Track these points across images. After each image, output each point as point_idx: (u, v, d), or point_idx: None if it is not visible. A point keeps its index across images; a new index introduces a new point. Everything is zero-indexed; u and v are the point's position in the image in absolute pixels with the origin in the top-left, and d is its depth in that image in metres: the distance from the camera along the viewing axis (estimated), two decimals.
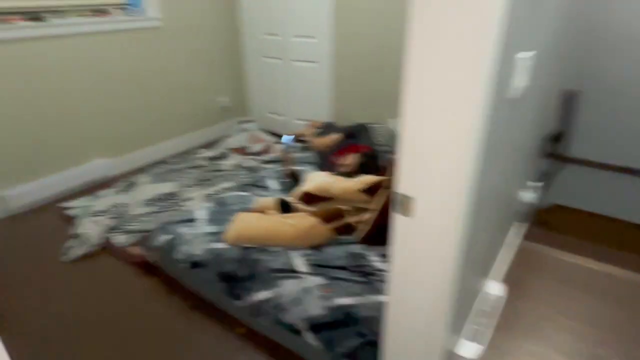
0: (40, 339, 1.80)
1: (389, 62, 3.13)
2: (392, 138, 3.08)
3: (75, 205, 2.77)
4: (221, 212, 2.18)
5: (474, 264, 1.30)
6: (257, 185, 2.51)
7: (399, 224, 1.00)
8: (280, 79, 3.86)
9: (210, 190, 2.87)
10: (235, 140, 3.75)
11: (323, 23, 3.35)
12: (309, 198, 2.04)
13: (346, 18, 3.24)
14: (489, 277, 1.81)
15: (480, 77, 0.78)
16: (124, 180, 3.08)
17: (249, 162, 3.34)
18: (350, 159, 2.47)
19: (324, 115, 3.67)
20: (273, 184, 2.53)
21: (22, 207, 2.76)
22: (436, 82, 0.83)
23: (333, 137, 2.82)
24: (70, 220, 2.61)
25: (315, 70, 3.59)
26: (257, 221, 1.91)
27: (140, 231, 2.44)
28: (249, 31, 3.85)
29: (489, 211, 1.28)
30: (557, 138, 2.53)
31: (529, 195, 2.14)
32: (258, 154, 3.51)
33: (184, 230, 2.04)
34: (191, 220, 2.12)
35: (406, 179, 0.95)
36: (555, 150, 2.56)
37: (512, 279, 2.03)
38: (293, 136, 2.86)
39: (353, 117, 3.44)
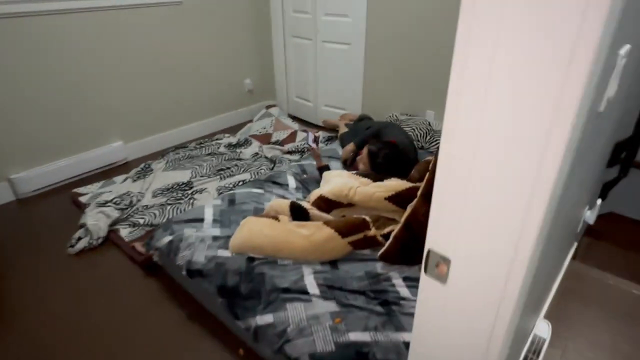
0: (30, 339, 1.68)
1: (431, 45, 2.77)
2: (429, 133, 2.74)
3: (88, 192, 2.66)
4: (230, 212, 1.97)
5: (526, 320, 1.01)
6: (274, 182, 2.28)
7: (429, 291, 0.72)
8: (309, 62, 3.57)
9: (226, 182, 2.67)
10: (258, 126, 3.52)
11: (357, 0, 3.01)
12: (327, 203, 1.78)
13: None
14: (537, 316, 1.50)
15: (577, 82, 0.48)
16: (140, 165, 2.93)
17: (271, 151, 3.11)
18: (364, 159, 2.19)
19: (355, 102, 3.36)
20: (291, 181, 2.29)
21: (34, 190, 2.67)
22: (509, 90, 0.53)
23: (348, 149, 2.52)
24: (82, 206, 2.50)
25: (347, 52, 3.26)
26: (266, 229, 1.68)
27: (147, 225, 2.29)
28: (277, 8, 3.55)
29: (552, 252, 0.97)
30: (628, 144, 2.12)
31: (592, 213, 1.78)
32: (281, 143, 3.26)
33: (188, 231, 1.85)
34: (198, 221, 1.92)
35: (444, 230, 0.66)
36: (625, 157, 2.16)
37: (556, 313, 1.71)
38: (314, 136, 2.56)
39: (386, 106, 3.11)
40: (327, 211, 1.79)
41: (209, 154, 3.10)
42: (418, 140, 2.72)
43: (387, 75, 3.10)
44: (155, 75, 3.12)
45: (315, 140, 2.51)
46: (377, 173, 2.13)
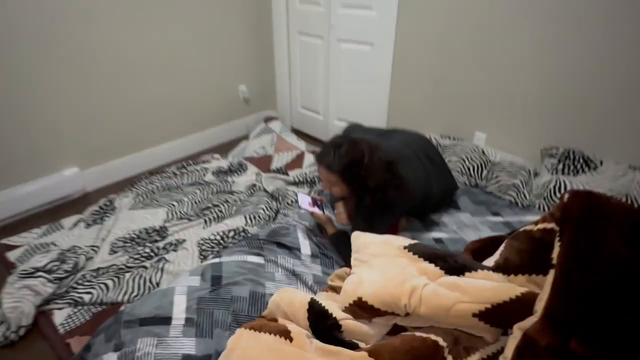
0: None
1: (485, 51, 2.08)
2: (485, 165, 2.06)
3: (23, 242, 1.95)
4: (213, 304, 1.28)
5: None
6: (279, 244, 1.58)
7: None
8: (319, 65, 2.87)
9: (211, 229, 1.97)
10: (256, 145, 2.82)
11: None
12: (371, 310, 1.09)
13: None
14: None
15: None
16: (100, 201, 2.22)
17: (272, 182, 2.41)
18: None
19: (378, 117, 2.67)
20: (304, 245, 1.59)
21: None
22: None
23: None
24: (9, 266, 1.79)
25: (369, 55, 2.57)
26: (269, 358, 0.99)
27: (95, 303, 1.59)
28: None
29: None
30: None
31: None
32: (285, 169, 2.56)
33: (144, 344, 1.15)
34: (162, 320, 1.23)
35: None
36: None
37: None
38: (311, 199, 1.74)
39: (419, 125, 2.42)
40: (370, 317, 1.10)
41: (192, 184, 2.39)
42: (470, 175, 2.04)
43: (422, 86, 2.41)
44: (121, 80, 2.40)
45: (316, 203, 1.73)
46: (353, 191, 1.53)
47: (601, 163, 1.87)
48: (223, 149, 2.98)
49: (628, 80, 1.74)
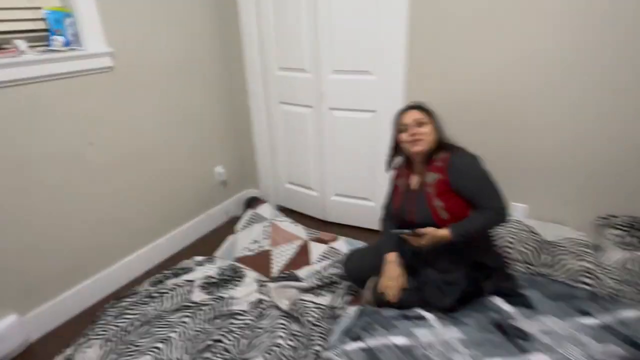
0: None
1: (512, 110, 1.83)
2: (541, 247, 1.74)
3: None
4: None
5: None
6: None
7: None
8: (309, 135, 2.50)
9: None
10: (246, 240, 2.33)
11: (388, 49, 2.03)
12: None
13: (429, 38, 1.93)
14: None
15: None
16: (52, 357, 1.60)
17: (282, 292, 1.90)
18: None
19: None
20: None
21: None
22: None
23: None
24: None
25: (371, 123, 2.25)
26: None
27: None
28: (254, 65, 2.49)
29: None
30: None
31: None
32: (290, 270, 2.08)
33: None
34: None
35: None
36: None
37: None
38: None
39: None
40: None
41: (177, 309, 1.84)
42: (529, 264, 1.70)
43: None
44: (68, 185, 1.86)
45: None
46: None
47: None
48: (204, 245, 2.45)
49: None
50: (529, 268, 1.70)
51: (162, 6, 2.10)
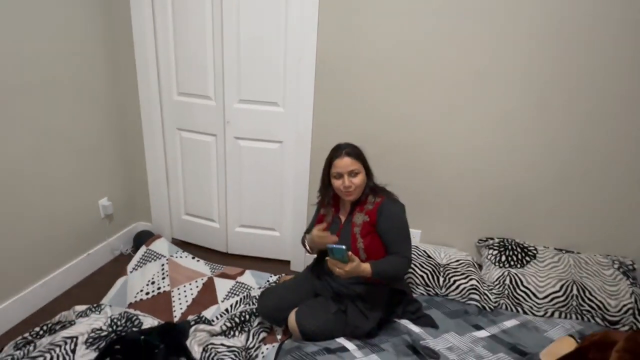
0: None
1: (408, 146, 2.04)
2: (438, 272, 1.93)
3: None
4: None
5: None
6: None
7: None
8: (211, 165, 2.38)
9: None
10: (141, 282, 2.08)
11: (296, 82, 2.09)
12: None
13: (334, 77, 2.05)
14: None
15: None
16: None
17: (194, 335, 1.73)
18: None
19: (294, 221, 2.33)
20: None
21: None
22: None
23: None
24: None
25: (277, 153, 2.26)
26: None
27: None
28: (151, 88, 2.29)
29: None
30: None
31: None
32: (203, 317, 1.90)
33: None
34: None
35: None
36: None
37: None
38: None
39: None
40: None
41: None
42: (427, 285, 1.88)
43: None
44: None
45: None
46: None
47: (536, 250, 1.98)
48: (87, 290, 2.10)
49: (547, 169, 1.93)
50: (427, 289, 1.88)
51: (39, 20, 1.81)
